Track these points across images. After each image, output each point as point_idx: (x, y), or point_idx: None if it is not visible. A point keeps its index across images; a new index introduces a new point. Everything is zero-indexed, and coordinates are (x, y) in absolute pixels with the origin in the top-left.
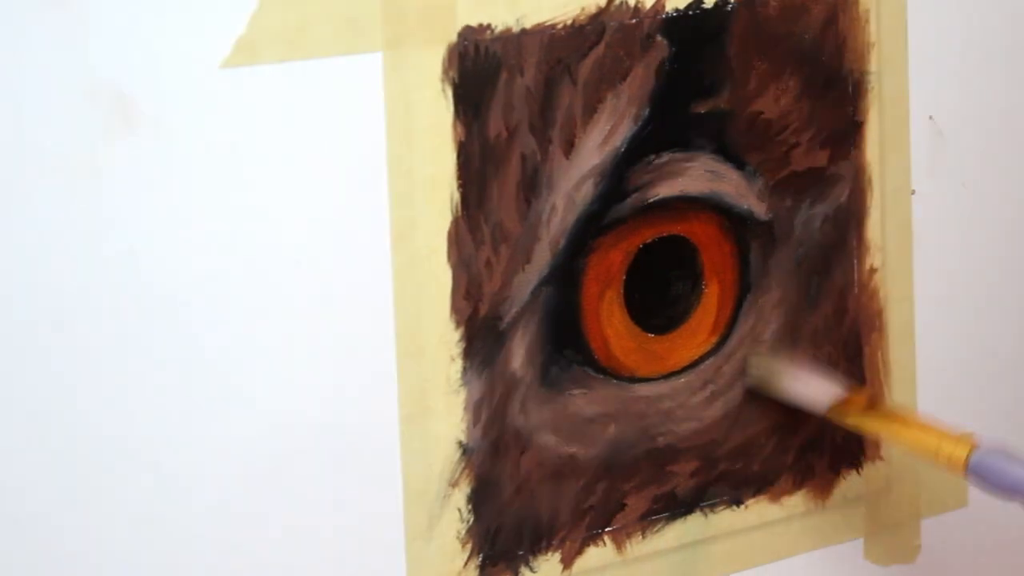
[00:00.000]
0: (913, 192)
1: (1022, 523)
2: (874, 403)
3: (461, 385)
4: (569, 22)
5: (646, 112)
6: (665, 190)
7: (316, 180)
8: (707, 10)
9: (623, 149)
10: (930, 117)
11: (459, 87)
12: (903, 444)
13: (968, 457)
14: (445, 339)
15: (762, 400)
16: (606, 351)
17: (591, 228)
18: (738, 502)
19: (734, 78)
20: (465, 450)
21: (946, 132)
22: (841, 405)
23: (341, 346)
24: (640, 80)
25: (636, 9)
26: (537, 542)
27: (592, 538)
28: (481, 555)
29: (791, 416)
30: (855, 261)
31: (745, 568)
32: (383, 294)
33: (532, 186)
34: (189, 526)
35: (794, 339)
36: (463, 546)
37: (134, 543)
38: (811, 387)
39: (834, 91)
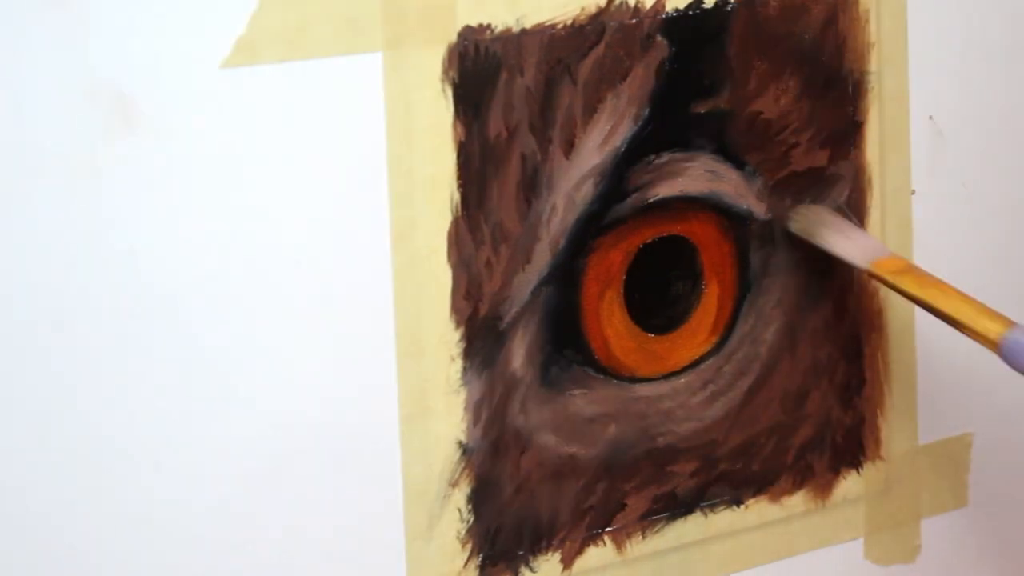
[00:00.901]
0: (913, 192)
1: (1022, 523)
2: (913, 269)
3: (461, 385)
4: (569, 22)
5: (646, 112)
6: (665, 190)
7: (316, 180)
8: (707, 10)
9: (623, 149)
10: (930, 117)
11: (459, 87)
12: (940, 309)
13: (1004, 334)
14: (445, 339)
15: (762, 399)
16: (606, 351)
17: (591, 228)
18: (738, 502)
19: (734, 78)
20: (465, 450)
21: (946, 132)
22: (882, 264)
23: (341, 346)
24: (640, 80)
25: (636, 9)
26: (537, 542)
27: (592, 538)
28: (481, 555)
29: (791, 416)
30: None
31: (745, 568)
32: (383, 294)
33: (532, 186)
34: (189, 526)
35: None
36: (463, 546)
37: (134, 543)
38: (856, 242)
39: (834, 91)
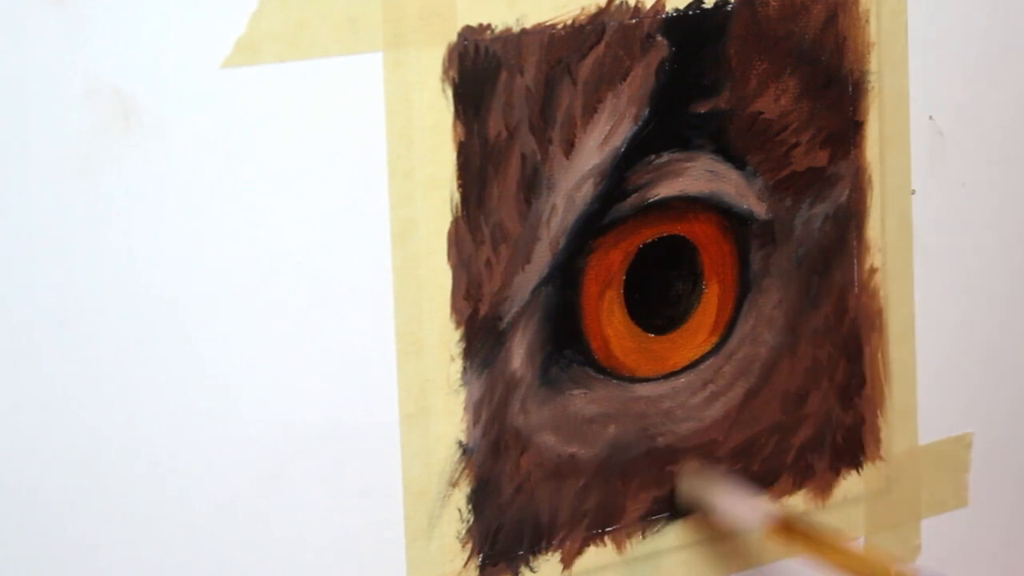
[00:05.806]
0: (913, 192)
1: (1022, 523)
2: (807, 527)
3: (461, 385)
4: (569, 22)
5: (646, 112)
6: (665, 190)
7: (316, 180)
8: (707, 10)
9: (623, 149)
10: (930, 117)
11: (459, 87)
12: (841, 566)
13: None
14: (445, 339)
15: (762, 399)
16: (606, 351)
17: (591, 228)
18: None
19: (734, 78)
20: (465, 450)
21: (946, 132)
22: (776, 523)
23: (341, 346)
24: (640, 80)
25: (636, 9)
26: (537, 542)
27: (592, 538)
28: (481, 555)
29: (791, 416)
30: (855, 261)
31: (745, 568)
32: (383, 294)
33: (532, 186)
34: (188, 527)
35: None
36: (463, 546)
37: (134, 544)
38: (747, 506)
39: (834, 91)
